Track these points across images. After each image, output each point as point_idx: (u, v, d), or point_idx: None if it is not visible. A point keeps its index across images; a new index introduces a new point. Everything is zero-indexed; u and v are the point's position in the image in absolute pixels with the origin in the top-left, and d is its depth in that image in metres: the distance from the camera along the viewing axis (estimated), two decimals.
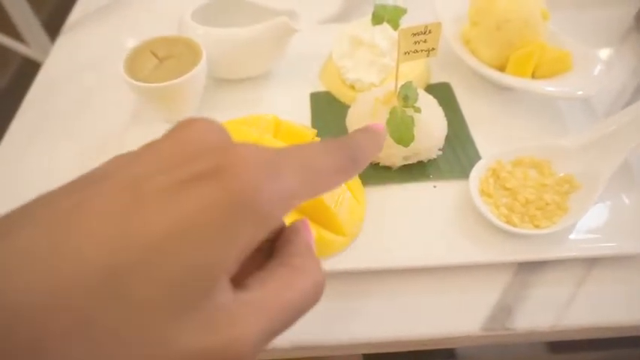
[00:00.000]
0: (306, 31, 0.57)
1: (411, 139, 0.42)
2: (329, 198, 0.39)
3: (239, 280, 0.16)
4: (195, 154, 0.16)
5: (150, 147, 0.17)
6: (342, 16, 0.67)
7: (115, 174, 0.15)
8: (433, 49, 0.41)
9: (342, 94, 0.52)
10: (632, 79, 0.56)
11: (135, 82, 0.46)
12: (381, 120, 0.43)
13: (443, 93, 0.53)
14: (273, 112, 0.52)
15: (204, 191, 0.15)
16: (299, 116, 0.52)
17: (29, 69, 1.56)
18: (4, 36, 1.48)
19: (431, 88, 0.54)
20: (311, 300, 0.18)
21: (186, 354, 0.14)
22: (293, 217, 0.39)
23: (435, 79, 0.55)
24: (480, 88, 0.53)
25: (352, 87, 0.52)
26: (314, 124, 0.51)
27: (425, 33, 0.40)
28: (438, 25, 0.40)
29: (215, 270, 0.15)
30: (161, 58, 0.48)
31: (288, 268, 0.18)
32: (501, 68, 0.51)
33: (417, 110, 0.43)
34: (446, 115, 0.47)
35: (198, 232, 0.14)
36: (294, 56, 0.57)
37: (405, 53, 0.41)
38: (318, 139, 0.46)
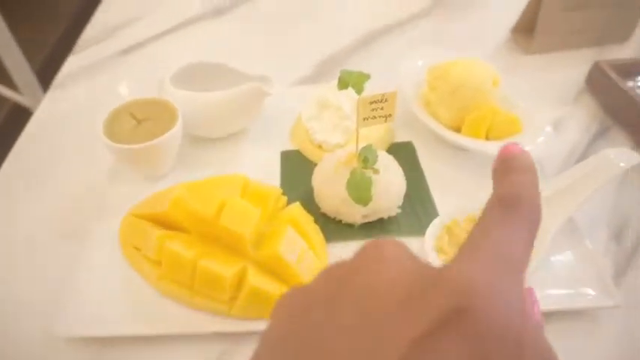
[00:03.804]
0: (281, 92, 0.61)
1: (369, 199, 0.45)
2: (290, 255, 0.41)
3: None
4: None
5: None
6: (315, 78, 0.71)
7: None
8: (390, 115, 0.45)
9: (310, 153, 0.56)
10: (582, 138, 0.60)
11: (113, 144, 0.49)
12: (341, 180, 0.46)
13: (405, 151, 0.57)
14: (246, 169, 0.55)
15: None
16: (270, 173, 0.55)
17: (19, 115, 1.60)
18: None
19: (394, 147, 0.57)
20: None
21: None
22: (255, 270, 0.41)
23: (399, 138, 0.59)
24: (440, 147, 0.56)
25: (320, 147, 0.55)
26: (283, 181, 0.54)
27: (382, 101, 0.44)
28: (394, 94, 0.44)
29: None
30: (139, 120, 0.52)
31: None
32: (459, 129, 0.55)
33: (376, 171, 0.46)
34: (407, 173, 0.50)
35: None
36: (268, 115, 0.61)
37: (364, 119, 0.45)
38: (284, 197, 0.49)
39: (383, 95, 0.44)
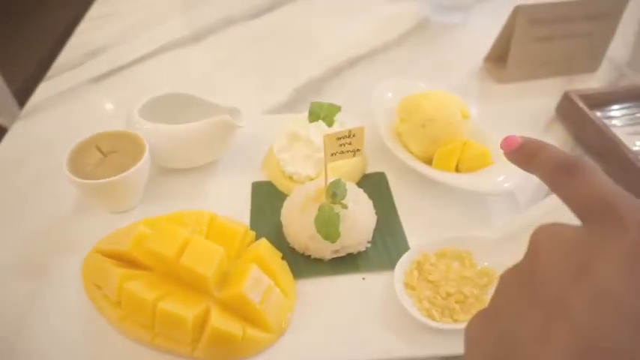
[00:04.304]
0: (254, 120, 0.60)
1: (337, 236, 0.44)
2: (254, 294, 0.40)
3: None
4: None
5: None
6: (290, 105, 0.71)
7: None
8: (358, 150, 0.45)
9: (281, 184, 0.55)
10: None
11: (76, 179, 0.47)
12: (310, 216, 0.45)
13: (377, 182, 0.56)
14: (217, 201, 0.54)
15: None
16: (241, 204, 0.54)
17: None
18: None
19: (366, 178, 0.57)
20: None
21: None
22: (219, 310, 0.40)
23: (372, 168, 0.59)
24: (412, 178, 0.56)
25: (291, 178, 0.55)
26: (254, 213, 0.53)
27: (349, 136, 0.44)
28: (362, 129, 0.44)
29: None
30: (105, 153, 0.51)
31: None
32: (430, 160, 0.55)
33: (344, 207, 0.45)
34: (378, 205, 0.50)
35: None
36: (240, 144, 0.61)
37: (332, 154, 0.44)
38: (251, 233, 0.48)
39: (350, 131, 0.43)
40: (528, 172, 0.24)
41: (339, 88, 0.75)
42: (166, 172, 0.58)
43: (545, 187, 0.58)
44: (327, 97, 0.73)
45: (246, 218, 0.53)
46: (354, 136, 0.44)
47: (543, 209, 0.46)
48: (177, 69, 0.81)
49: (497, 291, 0.21)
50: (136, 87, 0.77)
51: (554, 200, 0.46)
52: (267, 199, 0.54)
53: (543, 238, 0.20)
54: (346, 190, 0.46)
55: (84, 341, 0.43)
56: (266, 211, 0.53)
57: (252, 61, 0.82)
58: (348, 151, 0.45)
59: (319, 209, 0.45)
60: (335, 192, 0.46)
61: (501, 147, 0.26)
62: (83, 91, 0.76)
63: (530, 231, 0.45)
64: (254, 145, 0.61)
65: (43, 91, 0.76)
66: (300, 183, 0.54)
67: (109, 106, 0.74)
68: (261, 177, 0.58)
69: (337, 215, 0.44)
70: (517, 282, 0.20)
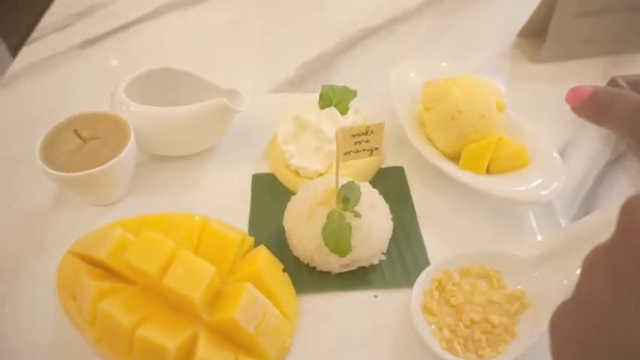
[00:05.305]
0: (257, 101, 0.53)
1: (348, 249, 0.38)
2: (248, 318, 0.34)
3: None
4: None
5: None
6: (298, 82, 0.63)
7: None
8: (376, 148, 0.38)
9: (286, 178, 0.49)
10: (593, 167, 0.53)
11: (49, 170, 0.41)
12: (317, 223, 0.39)
13: (395, 179, 0.50)
14: (212, 194, 0.49)
15: None
16: (239, 200, 0.48)
17: None
18: None
19: (383, 174, 0.50)
20: None
21: None
22: (208, 337, 0.35)
23: (389, 162, 0.52)
24: (436, 177, 0.49)
25: (297, 173, 0.48)
26: (253, 211, 0.47)
27: (366, 134, 0.37)
28: (381, 126, 0.37)
29: None
30: (85, 139, 0.44)
31: None
32: (458, 155, 0.48)
33: (357, 215, 0.39)
34: (395, 208, 0.44)
35: None
36: (241, 128, 0.54)
37: (346, 153, 0.38)
38: (249, 239, 0.42)
39: (367, 127, 0.36)
40: (601, 126, 0.23)
41: (352, 63, 0.67)
42: (156, 160, 0.51)
43: (584, 186, 0.52)
44: (339, 74, 0.65)
45: (244, 216, 0.46)
46: (372, 132, 0.37)
47: (589, 227, 0.39)
48: (174, 35, 0.73)
49: (584, 274, 0.19)
50: (128, 54, 0.69)
51: (603, 216, 0.39)
52: (269, 195, 0.48)
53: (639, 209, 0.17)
54: (360, 194, 0.40)
55: (56, 355, 0.38)
56: (268, 208, 0.47)
57: (256, 29, 0.74)
58: (364, 150, 0.38)
59: (328, 217, 0.39)
60: (347, 197, 0.39)
61: (567, 101, 0.24)
62: (70, 57, 0.69)
63: (574, 252, 0.39)
64: (256, 131, 0.54)
65: (25, 56, 0.69)
66: (307, 178, 0.47)
67: (99, 75, 0.66)
68: (263, 168, 0.51)
69: (349, 226, 0.38)
70: (610, 262, 0.18)
